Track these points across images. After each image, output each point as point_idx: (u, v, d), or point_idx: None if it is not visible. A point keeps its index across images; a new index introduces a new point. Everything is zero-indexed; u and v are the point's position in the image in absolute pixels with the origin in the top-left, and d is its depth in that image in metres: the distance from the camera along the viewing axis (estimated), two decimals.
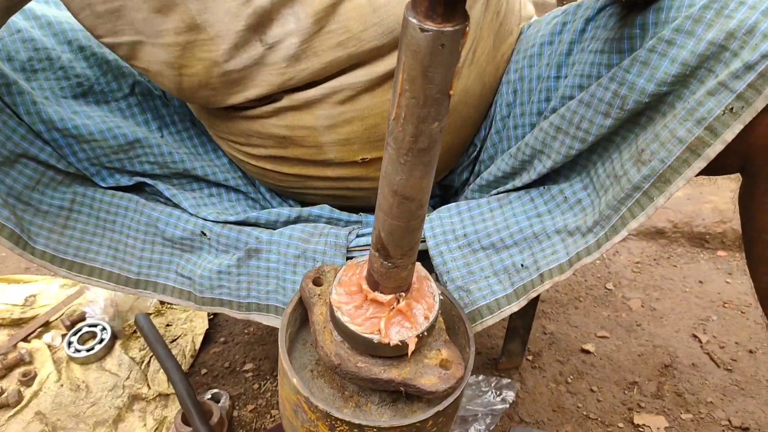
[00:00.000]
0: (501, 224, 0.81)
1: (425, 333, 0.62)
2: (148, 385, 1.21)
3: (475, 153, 0.99)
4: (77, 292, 1.40)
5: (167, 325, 1.35)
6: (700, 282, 1.50)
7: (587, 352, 1.31)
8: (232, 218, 0.90)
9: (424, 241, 0.84)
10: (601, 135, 0.73)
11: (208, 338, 1.34)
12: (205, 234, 0.88)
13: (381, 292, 0.61)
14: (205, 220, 0.89)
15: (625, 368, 1.27)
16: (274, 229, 0.90)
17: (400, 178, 0.50)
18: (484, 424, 1.15)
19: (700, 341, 1.33)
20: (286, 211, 0.93)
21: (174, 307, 1.40)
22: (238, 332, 1.36)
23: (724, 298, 1.45)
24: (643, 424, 1.15)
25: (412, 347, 0.61)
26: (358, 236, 0.89)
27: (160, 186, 0.90)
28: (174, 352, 1.27)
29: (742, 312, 1.41)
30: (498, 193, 0.87)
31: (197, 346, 1.30)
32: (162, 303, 1.39)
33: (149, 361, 1.26)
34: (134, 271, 0.87)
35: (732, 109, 0.60)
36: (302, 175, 0.91)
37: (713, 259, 1.57)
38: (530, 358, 1.29)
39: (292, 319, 0.71)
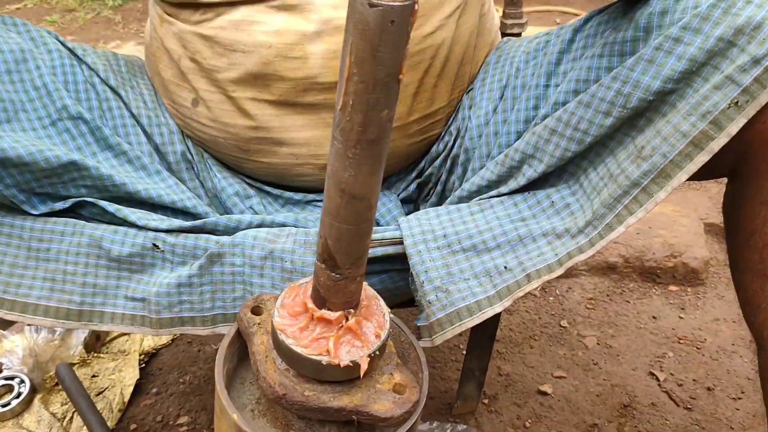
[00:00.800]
0: (483, 227, 0.77)
1: (377, 353, 0.57)
2: None
3: (441, 157, 0.96)
4: None
5: (93, 376, 1.23)
6: (654, 318, 1.47)
7: (545, 393, 1.25)
8: (187, 224, 0.81)
9: (401, 243, 0.79)
10: (600, 135, 0.71)
11: (138, 389, 1.23)
12: (157, 246, 0.79)
13: (328, 309, 0.56)
14: (157, 230, 0.80)
15: (584, 410, 1.22)
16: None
17: (349, 175, 0.46)
18: None
19: (657, 379, 1.29)
20: (248, 218, 0.85)
21: (102, 355, 1.28)
22: (172, 382, 1.25)
23: (678, 333, 1.42)
24: None
25: (364, 367, 0.56)
26: None
27: (102, 202, 0.80)
28: (100, 405, 1.16)
29: (697, 348, 1.38)
30: (480, 200, 0.82)
31: (126, 399, 1.19)
32: (87, 351, 1.27)
33: (72, 417, 1.14)
34: (76, 301, 0.77)
35: (737, 102, 0.61)
36: (282, 103, 0.85)
37: (665, 294, 1.55)
38: (486, 401, 1.23)
39: (228, 354, 0.64)
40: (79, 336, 1.25)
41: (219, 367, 0.62)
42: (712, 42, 0.62)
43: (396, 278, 0.84)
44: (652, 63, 0.66)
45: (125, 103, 0.90)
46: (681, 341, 1.40)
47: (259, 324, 0.63)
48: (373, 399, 0.58)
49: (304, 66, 0.83)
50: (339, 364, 0.55)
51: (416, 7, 0.39)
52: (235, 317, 0.80)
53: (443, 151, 0.96)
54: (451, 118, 0.96)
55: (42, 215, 0.79)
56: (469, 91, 0.95)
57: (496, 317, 1.08)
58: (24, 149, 0.74)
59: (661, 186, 0.65)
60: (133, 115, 0.90)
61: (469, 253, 0.77)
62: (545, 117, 0.79)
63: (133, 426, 1.15)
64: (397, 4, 0.38)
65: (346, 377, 0.58)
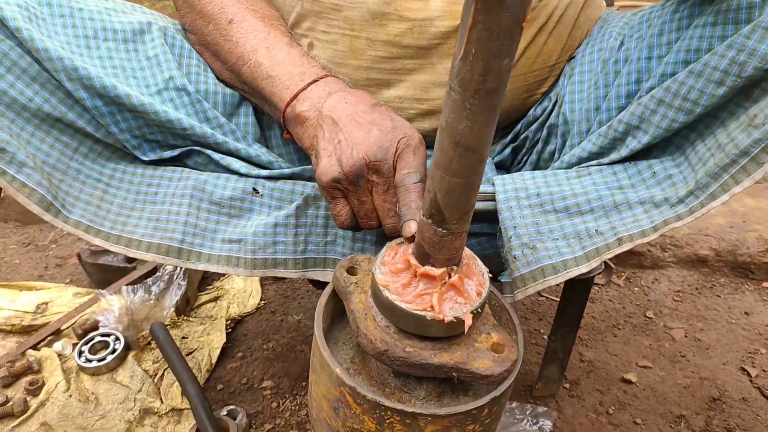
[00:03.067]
0: (579, 190, 0.76)
1: (479, 310, 0.57)
2: (161, 399, 1.14)
3: (541, 119, 0.95)
4: (91, 299, 1.34)
5: (183, 338, 1.28)
6: (746, 313, 1.41)
7: (629, 381, 1.22)
8: (287, 171, 0.84)
9: (493, 199, 0.78)
10: (711, 105, 0.69)
11: (225, 353, 1.27)
12: (257, 191, 0.82)
13: (432, 266, 0.56)
14: (258, 177, 0.83)
15: (671, 400, 1.18)
16: None
17: (464, 126, 0.46)
18: None
19: (749, 375, 1.24)
20: None
21: (191, 319, 1.33)
22: (257, 347, 1.29)
23: None
24: None
25: (468, 323, 0.56)
26: None
27: (208, 151, 0.84)
28: (190, 365, 1.20)
29: None
30: (579, 168, 0.81)
31: (214, 361, 1.23)
32: (178, 315, 1.32)
33: (163, 375, 1.19)
34: (177, 239, 0.80)
35: None
36: (397, 44, 0.86)
37: (758, 290, 1.48)
38: (567, 386, 1.21)
39: (326, 312, 0.66)
40: (172, 298, 1.30)
41: (318, 320, 0.63)
42: None
43: (486, 245, 0.84)
44: None
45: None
46: None
47: (356, 283, 0.64)
48: (472, 357, 0.58)
49: (425, 7, 0.83)
50: (443, 320, 0.55)
51: None
52: (325, 262, 0.82)
53: (540, 116, 0.95)
54: (552, 84, 0.95)
55: (152, 163, 0.83)
56: (571, 59, 0.94)
57: (585, 297, 1.06)
58: (137, 99, 0.78)
59: None
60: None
61: (561, 214, 0.76)
62: (650, 90, 0.77)
63: (219, 386, 1.19)
64: None
65: (450, 333, 0.58)
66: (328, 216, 0.81)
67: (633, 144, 0.76)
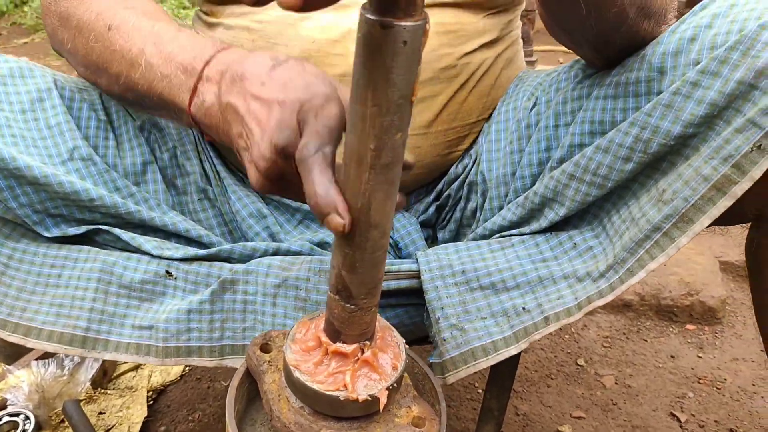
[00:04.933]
0: (503, 265, 0.76)
1: (395, 385, 0.55)
2: None
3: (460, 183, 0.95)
4: None
5: (100, 413, 1.20)
6: (672, 357, 1.44)
7: None
8: (202, 252, 0.79)
9: (417, 277, 0.77)
10: (621, 180, 0.70)
11: (146, 427, 1.19)
12: (170, 273, 0.77)
13: (343, 342, 0.54)
14: (171, 259, 0.78)
15: None
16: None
17: (363, 203, 0.45)
18: None
19: (679, 420, 1.26)
20: (263, 245, 0.83)
21: (109, 392, 1.25)
22: (181, 419, 1.22)
23: (698, 373, 1.39)
24: None
25: (383, 401, 0.54)
26: None
27: (116, 230, 0.78)
28: None
29: (717, 388, 1.35)
30: (501, 237, 0.81)
31: None
32: (95, 388, 1.24)
33: None
34: (82, 326, 0.74)
35: (760, 146, 0.58)
36: None
37: (683, 333, 1.52)
38: None
39: (238, 395, 0.62)
40: (88, 372, 1.22)
41: (230, 409, 0.60)
42: (732, 86, 0.60)
43: (413, 313, 0.82)
44: (670, 108, 0.65)
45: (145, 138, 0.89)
46: (701, 381, 1.37)
47: (269, 362, 0.61)
48: None
49: (343, 63, 0.83)
50: (357, 399, 0.53)
51: (428, 27, 0.38)
52: (243, 349, 0.77)
53: (462, 173, 0.95)
54: (473, 141, 0.96)
55: (55, 241, 0.78)
56: (489, 117, 0.95)
57: (517, 356, 1.05)
58: (39, 170, 0.72)
59: (683, 231, 0.64)
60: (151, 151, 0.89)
61: (488, 291, 0.75)
62: (561, 160, 0.78)
63: None
64: (409, 24, 0.37)
65: (365, 412, 0.56)
66: (246, 301, 0.77)
67: (551, 215, 0.77)
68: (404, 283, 0.78)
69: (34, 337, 0.74)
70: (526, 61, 1.26)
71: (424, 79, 0.86)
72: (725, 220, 0.65)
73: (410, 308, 0.82)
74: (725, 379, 1.37)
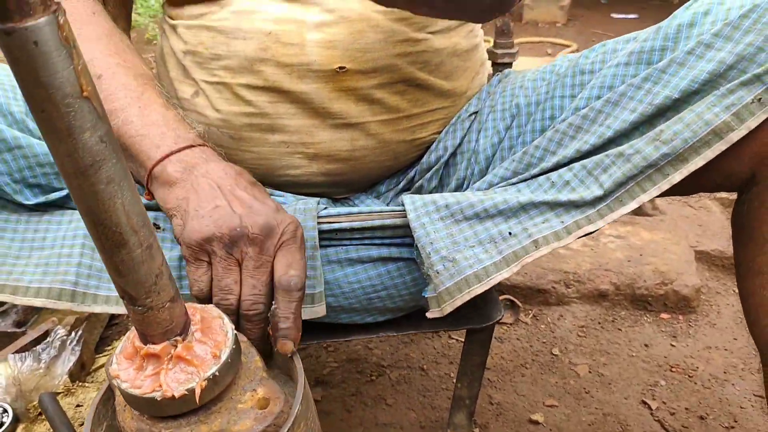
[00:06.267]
0: (484, 197, 0.79)
1: (217, 373, 0.54)
2: None
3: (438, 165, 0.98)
4: None
5: (78, 406, 1.21)
6: (646, 345, 1.46)
7: (536, 422, 1.23)
8: None
9: (404, 216, 0.80)
10: (620, 131, 0.75)
11: None
12: (158, 226, 0.78)
13: (152, 343, 0.53)
14: (158, 211, 0.78)
15: None
16: None
17: (88, 206, 0.43)
18: None
19: (650, 408, 1.28)
20: None
21: (87, 384, 1.26)
22: None
23: (670, 362, 1.41)
24: None
25: (199, 392, 0.53)
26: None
27: None
28: None
29: (689, 376, 1.37)
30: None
31: None
32: (72, 381, 1.25)
33: None
34: (71, 281, 0.75)
35: (761, 99, 0.66)
36: (276, 90, 0.86)
37: (657, 322, 1.54)
38: (477, 430, 1.21)
39: (103, 411, 0.62)
40: (65, 365, 1.23)
41: (87, 424, 0.60)
42: (741, 47, 0.67)
43: (394, 273, 0.85)
44: (683, 66, 0.71)
45: None
46: (673, 369, 1.39)
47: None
48: (234, 421, 0.56)
49: (300, 53, 0.85)
50: (174, 396, 0.52)
51: (62, 19, 0.36)
52: None
53: (435, 164, 0.97)
54: (446, 134, 0.97)
55: (37, 208, 0.79)
56: (473, 114, 0.96)
57: (487, 344, 1.07)
58: (23, 138, 0.74)
59: (677, 169, 0.70)
60: None
61: (472, 221, 0.78)
62: (566, 120, 0.82)
63: None
64: (31, 23, 0.35)
65: (188, 408, 0.54)
66: None
67: (542, 165, 0.81)
68: (388, 221, 0.81)
69: (21, 294, 0.75)
70: (507, 53, 1.27)
71: (381, 66, 0.87)
72: (718, 185, 0.73)
73: (392, 267, 0.84)
74: (697, 367, 1.40)
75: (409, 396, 1.29)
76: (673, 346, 1.47)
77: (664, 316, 1.56)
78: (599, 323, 1.53)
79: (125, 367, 0.55)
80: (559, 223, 0.75)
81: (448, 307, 0.78)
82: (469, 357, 1.09)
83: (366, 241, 0.83)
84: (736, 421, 1.25)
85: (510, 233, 0.77)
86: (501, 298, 1.50)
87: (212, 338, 0.56)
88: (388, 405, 1.26)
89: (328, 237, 0.82)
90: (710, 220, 1.86)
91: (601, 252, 1.65)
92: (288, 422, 0.57)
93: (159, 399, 0.52)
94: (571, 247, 1.66)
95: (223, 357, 0.55)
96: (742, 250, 0.76)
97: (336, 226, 0.82)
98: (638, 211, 1.96)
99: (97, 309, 0.77)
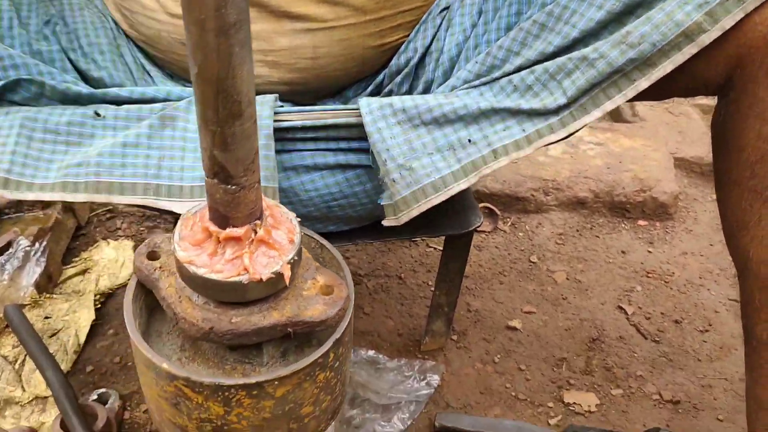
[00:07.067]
0: (443, 101, 0.74)
1: (296, 257, 0.55)
2: (22, 387, 1.04)
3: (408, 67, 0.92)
4: None
5: (46, 318, 1.18)
6: (623, 252, 1.46)
7: (514, 329, 1.23)
8: (137, 93, 0.77)
9: (359, 116, 0.76)
10: (586, 30, 0.69)
11: (94, 331, 1.18)
12: (99, 114, 0.74)
13: (233, 227, 0.53)
14: (102, 101, 0.75)
15: (553, 344, 1.21)
16: None
17: (220, 70, 0.42)
18: (408, 411, 1.05)
19: (626, 313, 1.29)
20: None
21: (55, 296, 1.22)
22: None
23: (647, 267, 1.41)
24: (574, 402, 1.09)
25: (287, 274, 0.54)
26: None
27: (40, 78, 0.75)
28: (54, 347, 1.11)
29: (665, 282, 1.38)
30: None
31: (82, 341, 1.14)
32: (39, 292, 1.21)
33: (24, 360, 1.09)
34: (4, 169, 0.71)
35: None
36: None
37: (634, 229, 1.54)
38: (455, 337, 1.21)
39: (136, 309, 0.60)
40: (30, 276, 1.19)
41: (131, 325, 0.58)
42: None
43: (354, 181, 0.81)
44: None
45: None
46: (649, 275, 1.39)
47: (160, 268, 0.59)
48: (303, 306, 0.57)
49: None
50: (261, 279, 0.53)
51: None
52: (180, 191, 0.75)
53: (404, 67, 0.91)
54: (416, 33, 0.91)
55: None
56: (444, 10, 0.89)
57: (466, 250, 1.05)
58: None
59: (644, 74, 0.65)
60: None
61: (431, 126, 0.74)
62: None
63: (89, 368, 1.11)
64: None
65: (272, 291, 0.55)
66: (186, 138, 0.74)
67: (505, 67, 0.76)
68: (342, 120, 0.76)
69: None
70: None
71: None
72: (694, 89, 0.68)
73: (351, 173, 0.81)
74: (673, 273, 1.40)
75: (387, 304, 1.28)
76: (649, 252, 1.47)
77: (641, 222, 1.55)
78: (577, 230, 1.52)
79: (197, 254, 0.54)
80: (521, 131, 0.71)
81: (405, 217, 0.75)
82: (448, 264, 1.07)
83: (321, 146, 0.78)
84: (710, 325, 1.26)
85: (470, 140, 0.73)
86: (480, 206, 1.48)
87: (284, 225, 0.56)
88: (366, 314, 1.25)
89: (282, 138, 0.77)
90: (690, 126, 1.84)
91: (581, 159, 1.62)
92: (350, 307, 0.60)
93: (245, 282, 0.52)
94: (551, 155, 1.63)
95: (297, 240, 0.56)
96: (720, 159, 0.73)
97: (287, 124, 0.76)
98: (618, 118, 1.93)
99: (31, 196, 0.73)
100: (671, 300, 1.33)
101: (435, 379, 1.11)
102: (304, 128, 0.77)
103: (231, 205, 0.51)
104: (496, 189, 1.53)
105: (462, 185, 0.74)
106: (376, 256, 1.40)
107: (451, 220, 1.01)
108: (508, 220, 1.54)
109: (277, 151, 0.77)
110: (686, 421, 1.07)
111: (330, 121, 0.76)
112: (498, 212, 1.50)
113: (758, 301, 0.70)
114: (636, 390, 1.12)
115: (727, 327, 1.25)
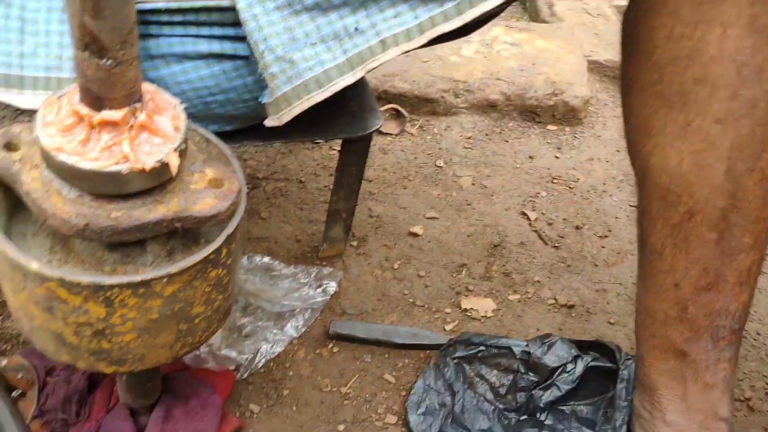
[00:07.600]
0: None
1: (183, 146, 0.51)
2: None
3: None
4: None
5: None
6: (531, 157, 1.44)
7: (415, 234, 1.21)
8: None
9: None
10: None
11: None
12: None
13: (109, 109, 0.47)
14: None
15: (454, 250, 1.19)
16: None
17: None
18: (303, 319, 1.02)
19: (528, 219, 1.28)
20: None
21: None
22: None
23: (553, 173, 1.40)
24: (471, 308, 1.08)
25: (174, 164, 0.49)
26: None
27: None
28: None
29: (570, 187, 1.37)
30: None
31: None
32: None
33: None
34: None
35: None
36: None
37: (543, 134, 1.51)
38: (355, 243, 1.17)
39: None
40: None
41: None
42: None
43: (232, 74, 0.73)
44: None
45: None
46: (555, 181, 1.38)
47: (20, 160, 0.52)
48: (192, 201, 0.52)
49: None
50: (144, 168, 0.48)
51: None
52: (21, 81, 0.66)
53: None
54: None
55: None
56: None
57: (364, 154, 0.99)
58: None
59: None
60: None
61: (314, 12, 0.67)
62: None
63: None
64: None
65: (156, 183, 0.50)
66: (24, 19, 0.64)
67: None
68: (212, 3, 0.68)
69: None
70: None
71: None
72: None
73: (227, 63, 0.73)
74: (578, 179, 1.40)
75: (285, 209, 1.22)
76: (557, 158, 1.45)
77: (551, 127, 1.53)
78: (486, 134, 1.49)
79: (67, 140, 0.47)
80: (413, 18, 0.66)
81: (286, 116, 0.70)
82: (346, 168, 1.01)
83: (192, 31, 0.70)
84: (610, 231, 1.27)
85: (356, 29, 0.67)
86: (386, 107, 1.42)
87: (167, 111, 0.51)
88: (262, 218, 1.19)
89: (146, 21, 0.68)
90: (607, 28, 1.79)
91: (494, 60, 1.56)
92: (242, 202, 0.56)
93: (126, 172, 0.47)
94: (464, 54, 1.56)
95: (183, 127, 0.51)
96: (628, 61, 0.69)
97: (150, 5, 0.67)
98: (535, 17, 1.87)
99: None
100: (574, 206, 1.32)
101: (332, 286, 1.07)
102: (169, 11, 0.67)
103: (106, 84, 0.45)
104: (405, 89, 1.46)
105: (347, 80, 0.69)
106: (276, 159, 1.32)
107: (347, 122, 0.94)
108: (416, 122, 1.48)
109: (142, 36, 0.68)
110: (578, 325, 1.08)
111: (198, 4, 0.67)
112: (405, 114, 1.44)
113: (655, 210, 0.69)
114: (533, 295, 1.12)
115: (626, 233, 1.26)
